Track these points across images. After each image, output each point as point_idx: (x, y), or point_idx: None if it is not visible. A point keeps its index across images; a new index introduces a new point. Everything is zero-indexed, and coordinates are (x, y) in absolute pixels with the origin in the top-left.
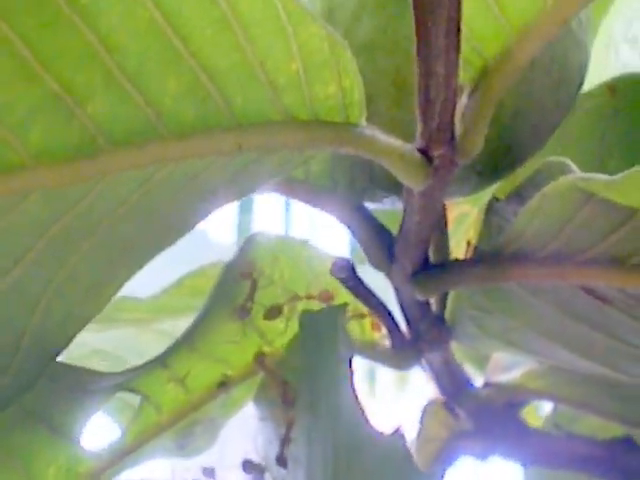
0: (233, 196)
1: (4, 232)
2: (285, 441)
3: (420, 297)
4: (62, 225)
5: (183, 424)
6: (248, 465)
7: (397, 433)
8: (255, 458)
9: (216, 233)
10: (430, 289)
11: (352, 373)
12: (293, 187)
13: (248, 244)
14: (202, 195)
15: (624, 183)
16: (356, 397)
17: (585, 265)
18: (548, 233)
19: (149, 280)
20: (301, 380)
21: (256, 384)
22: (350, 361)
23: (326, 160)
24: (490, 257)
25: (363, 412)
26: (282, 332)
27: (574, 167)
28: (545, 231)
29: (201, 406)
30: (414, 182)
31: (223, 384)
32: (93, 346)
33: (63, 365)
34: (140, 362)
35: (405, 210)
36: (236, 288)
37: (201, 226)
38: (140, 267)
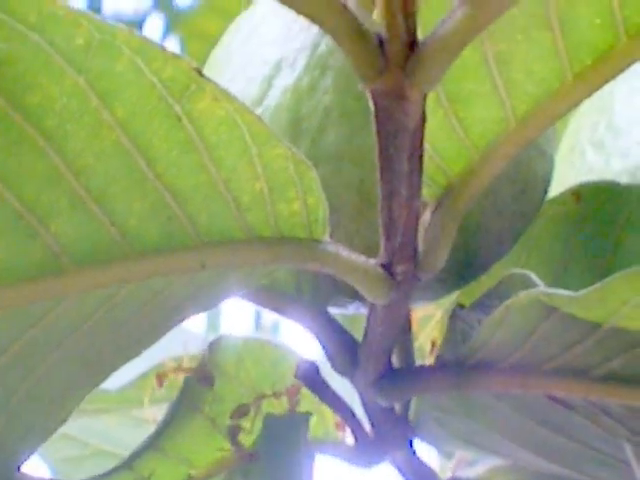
0: (198, 309)
1: None
2: None
3: (383, 403)
4: (24, 342)
5: None
6: None
7: None
8: None
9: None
10: (393, 396)
11: None
12: (258, 295)
13: (212, 347)
14: (167, 310)
15: (586, 299)
16: None
17: (548, 376)
18: (511, 344)
19: None
20: None
21: None
22: (311, 467)
23: (291, 268)
24: (454, 366)
25: None
26: (248, 431)
27: (537, 280)
28: (508, 342)
29: None
30: (377, 297)
31: None
32: (62, 431)
33: (26, 477)
34: (107, 447)
35: (368, 321)
36: (201, 391)
37: None
38: (105, 378)
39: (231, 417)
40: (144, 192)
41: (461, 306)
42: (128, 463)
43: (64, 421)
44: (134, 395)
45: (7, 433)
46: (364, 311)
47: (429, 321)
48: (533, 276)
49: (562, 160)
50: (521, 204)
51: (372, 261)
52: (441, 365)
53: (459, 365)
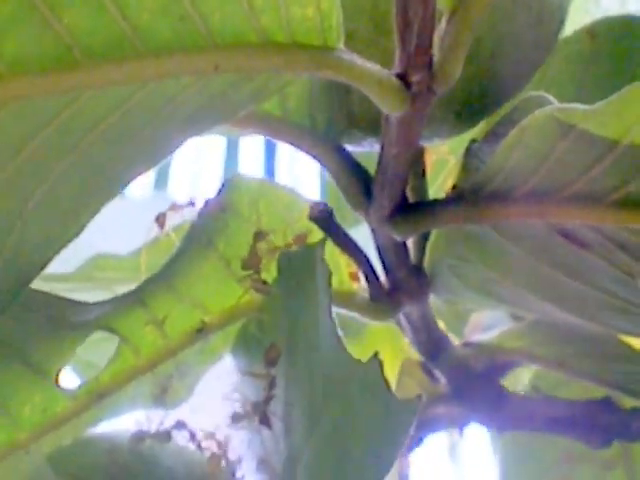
0: (210, 122)
1: None
2: (267, 399)
3: (398, 238)
4: (39, 142)
5: (160, 371)
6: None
7: (374, 360)
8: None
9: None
10: (408, 229)
11: (330, 304)
12: (271, 125)
13: (227, 185)
14: (179, 119)
15: (603, 112)
16: (334, 326)
17: (564, 203)
18: (527, 169)
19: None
20: (280, 323)
21: (234, 334)
22: (329, 291)
23: (304, 97)
24: (469, 196)
25: (340, 341)
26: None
27: (553, 100)
28: (524, 167)
29: (178, 352)
30: (392, 108)
31: (201, 330)
32: None
33: (42, 294)
34: None
35: (383, 144)
36: (213, 227)
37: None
38: (116, 192)
39: (242, 267)
40: None
41: (474, 141)
42: (140, 295)
43: (78, 233)
44: (146, 261)
45: (22, 241)
46: (378, 148)
47: (444, 166)
48: (549, 97)
49: (576, 9)
50: (537, 34)
51: (387, 70)
52: (456, 196)
53: (474, 195)
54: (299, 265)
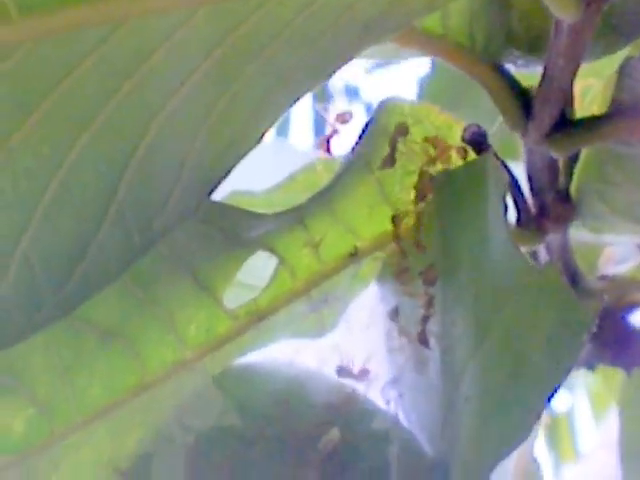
0: (384, 30)
1: (175, 49)
2: (425, 318)
3: (555, 156)
4: (227, 46)
5: (314, 294)
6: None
7: (550, 266)
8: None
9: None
10: (567, 146)
11: (505, 214)
12: (432, 42)
13: (380, 108)
14: (357, 27)
15: None
16: (509, 236)
17: None
18: None
19: None
20: (433, 245)
21: (379, 263)
22: (503, 202)
23: (464, 15)
24: (628, 111)
25: (517, 249)
26: (413, 203)
27: None
28: None
29: (332, 276)
30: (566, 13)
31: (353, 255)
32: None
33: (219, 204)
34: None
35: (549, 56)
36: (370, 150)
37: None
38: (294, 99)
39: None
40: None
41: (630, 57)
42: (301, 215)
43: (258, 141)
44: (280, 199)
45: (205, 149)
46: (537, 69)
47: (588, 92)
48: None
49: None
50: None
51: None
52: (616, 111)
53: (635, 109)
54: (461, 181)
